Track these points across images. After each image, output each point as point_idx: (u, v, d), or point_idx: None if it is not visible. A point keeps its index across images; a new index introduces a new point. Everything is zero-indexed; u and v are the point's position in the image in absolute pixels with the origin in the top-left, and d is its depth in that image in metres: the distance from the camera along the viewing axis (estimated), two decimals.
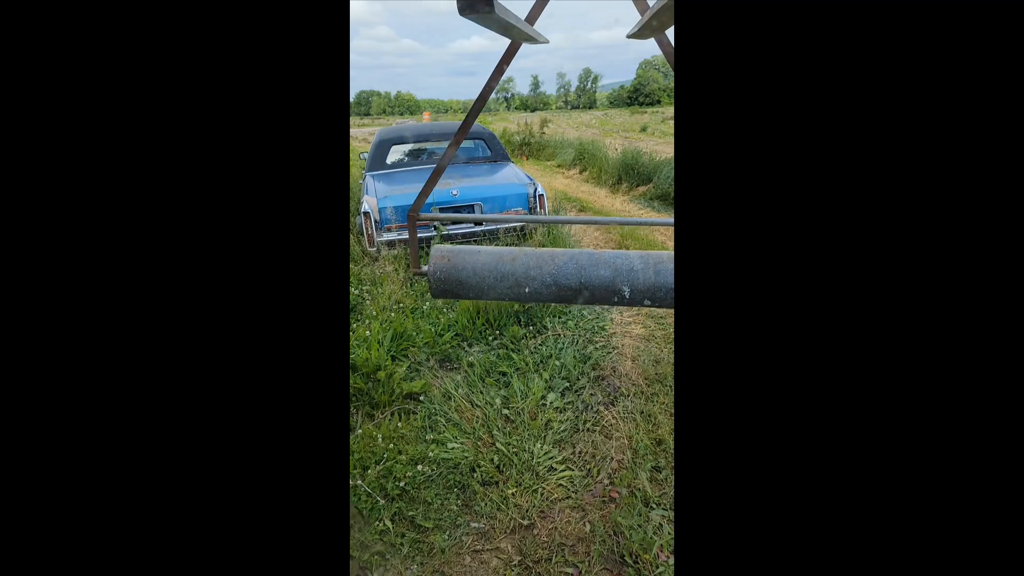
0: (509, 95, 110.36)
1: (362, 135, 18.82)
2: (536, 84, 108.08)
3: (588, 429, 2.05)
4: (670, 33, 0.80)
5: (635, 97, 71.10)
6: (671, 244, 4.53)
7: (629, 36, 0.91)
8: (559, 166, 10.45)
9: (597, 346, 2.77)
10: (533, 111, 70.60)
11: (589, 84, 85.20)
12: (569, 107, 77.13)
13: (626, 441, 1.96)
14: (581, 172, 9.26)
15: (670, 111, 37.53)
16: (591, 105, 76.39)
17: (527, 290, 0.98)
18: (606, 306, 2.35)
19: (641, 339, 2.86)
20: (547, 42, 1.03)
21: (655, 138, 20.13)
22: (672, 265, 0.92)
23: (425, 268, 1.13)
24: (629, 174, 7.51)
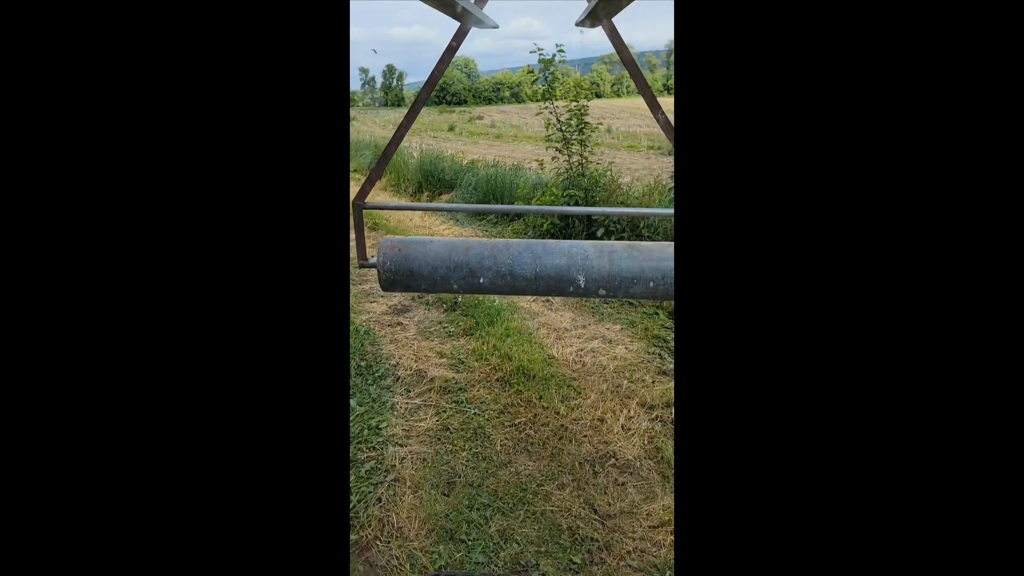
0: None
1: None
2: (368, 77, 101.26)
3: None
4: (618, 21, 0.85)
5: (442, 96, 71.57)
6: None
7: (577, 24, 0.91)
8: (355, 171, 9.12)
9: (363, 470, 1.82)
10: (364, 105, 65.79)
11: (395, 82, 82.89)
12: (377, 104, 73.95)
13: None
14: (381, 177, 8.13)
15: (477, 111, 38.37)
16: (399, 103, 74.44)
17: (482, 280, 0.96)
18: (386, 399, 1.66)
19: (430, 439, 2.00)
20: (496, 26, 0.98)
21: (463, 138, 19.91)
22: (626, 253, 0.93)
23: (373, 259, 1.09)
24: (430, 181, 6.69)
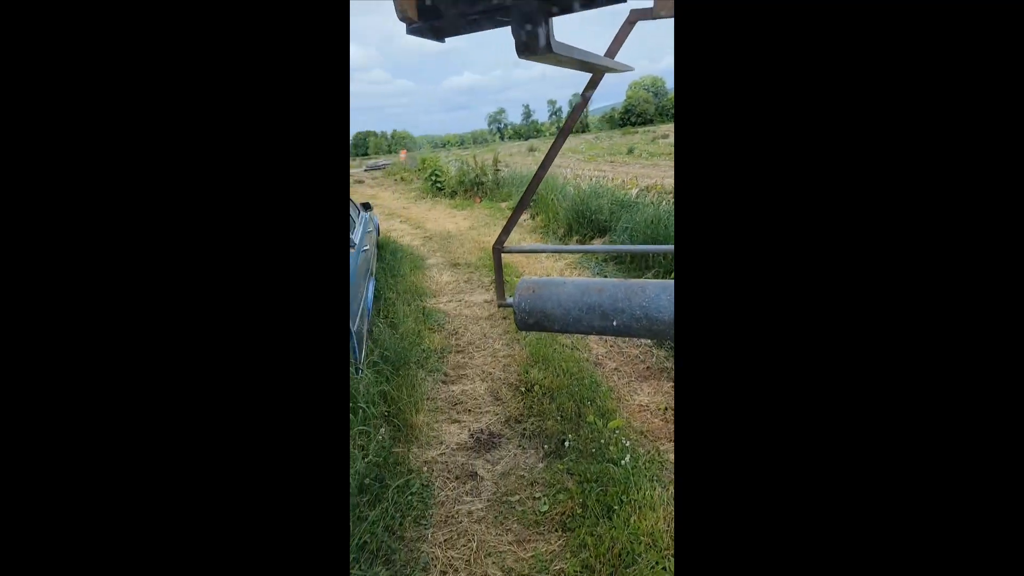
0: (502, 125, 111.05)
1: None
2: (528, 112, 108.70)
3: None
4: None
5: (627, 118, 70.50)
6: None
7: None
8: (513, 208, 8.61)
9: None
10: (526, 139, 70.08)
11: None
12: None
13: None
14: (533, 217, 7.38)
15: (661, 129, 36.12)
16: (584, 129, 75.72)
17: (615, 323, 0.94)
18: None
19: None
20: (632, 69, 0.97)
21: (641, 160, 18.36)
22: None
23: (510, 300, 1.15)
24: (580, 223, 5.60)
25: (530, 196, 1.12)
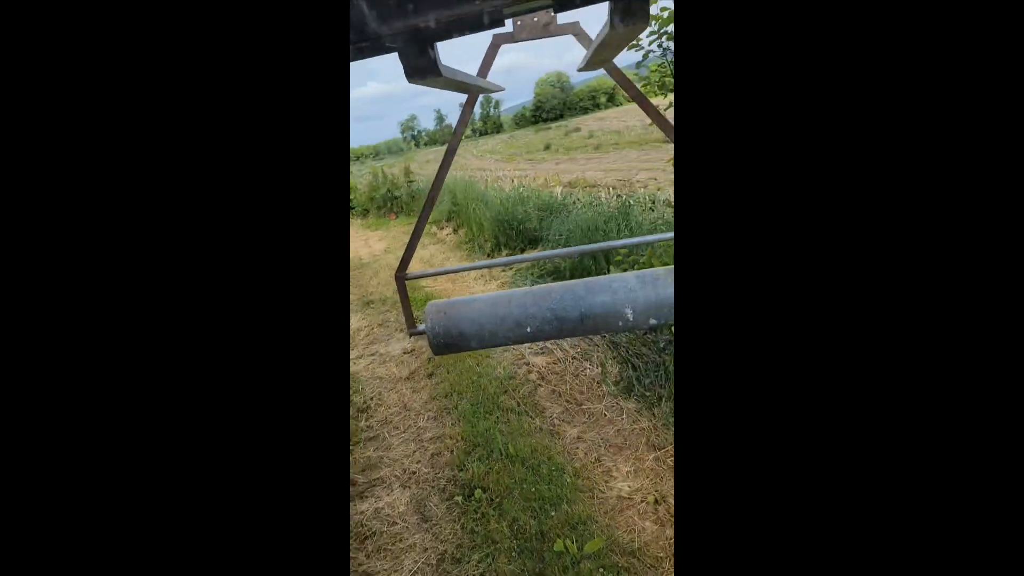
0: (415, 132, 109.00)
1: None
2: (441, 118, 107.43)
3: None
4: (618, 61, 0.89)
5: (538, 115, 71.42)
6: None
7: (579, 70, 0.98)
8: (434, 222, 7.78)
9: None
10: (443, 144, 68.92)
11: (492, 110, 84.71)
12: (477, 135, 75.99)
13: None
14: (456, 231, 6.63)
15: (573, 123, 36.56)
16: (498, 130, 75.73)
17: (529, 329, 0.95)
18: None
19: None
20: (503, 89, 1.06)
21: (559, 155, 18.13)
22: (670, 279, 0.92)
23: (422, 327, 1.11)
24: (508, 234, 4.94)
25: (427, 217, 1.08)
